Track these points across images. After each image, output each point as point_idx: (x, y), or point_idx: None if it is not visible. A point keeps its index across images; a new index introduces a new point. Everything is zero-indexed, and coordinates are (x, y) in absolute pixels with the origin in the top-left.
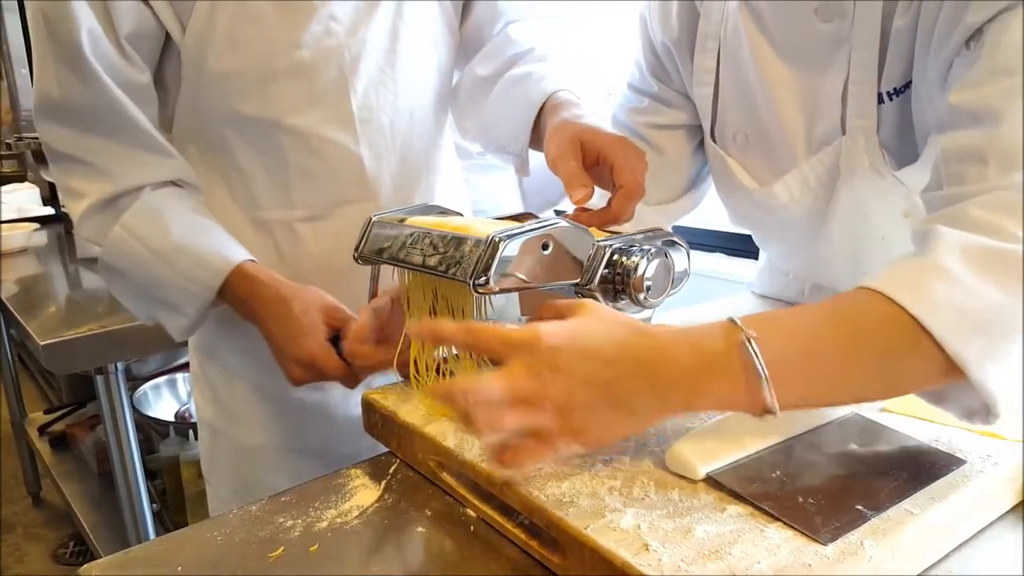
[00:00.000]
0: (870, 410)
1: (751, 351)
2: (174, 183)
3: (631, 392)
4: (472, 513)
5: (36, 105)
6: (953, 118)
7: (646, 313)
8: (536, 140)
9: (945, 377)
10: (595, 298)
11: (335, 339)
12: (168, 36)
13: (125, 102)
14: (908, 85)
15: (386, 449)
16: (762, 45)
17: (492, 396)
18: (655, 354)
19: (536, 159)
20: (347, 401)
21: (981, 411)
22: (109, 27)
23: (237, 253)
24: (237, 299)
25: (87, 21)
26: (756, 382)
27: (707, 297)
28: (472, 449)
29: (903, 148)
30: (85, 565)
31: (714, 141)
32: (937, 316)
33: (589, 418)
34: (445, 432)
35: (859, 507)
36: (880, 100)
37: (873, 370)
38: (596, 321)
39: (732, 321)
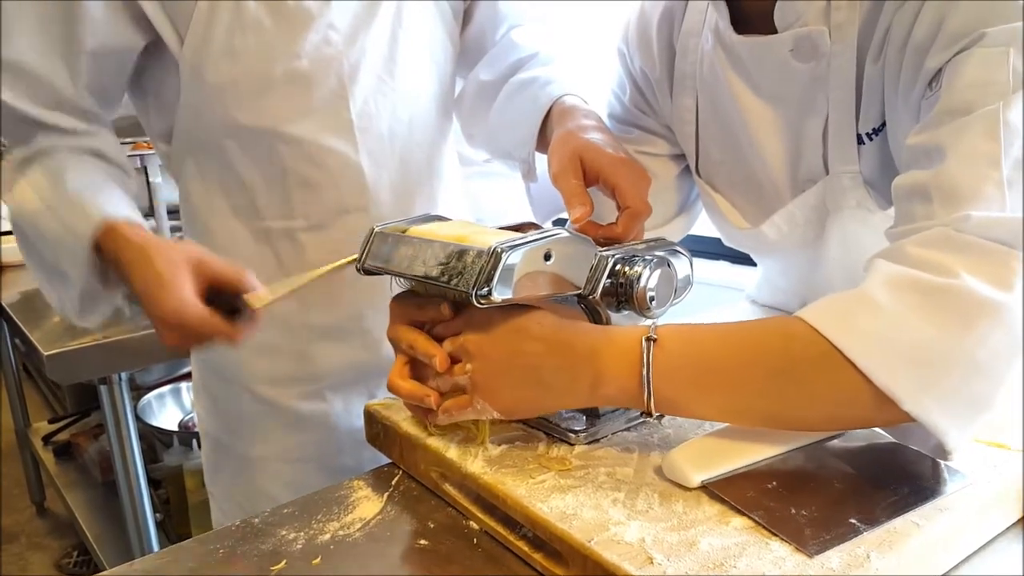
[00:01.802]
0: None
1: (644, 351)
2: (98, 155)
3: (546, 368)
4: (475, 525)
5: None
6: (909, 158)
7: (649, 323)
8: (543, 145)
9: (879, 409)
10: (598, 308)
11: (218, 297)
12: (162, 49)
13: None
14: (885, 125)
15: (388, 460)
16: (741, 85)
17: (437, 350)
18: (572, 335)
19: (544, 164)
20: (349, 412)
21: (937, 447)
22: (68, 44)
23: (119, 211)
24: (110, 258)
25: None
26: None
27: (712, 306)
28: (475, 461)
29: (888, 186)
30: None
31: (699, 176)
32: (853, 341)
33: (503, 383)
34: (447, 443)
35: (853, 520)
36: (860, 141)
37: (778, 389)
38: (535, 309)
39: (651, 324)
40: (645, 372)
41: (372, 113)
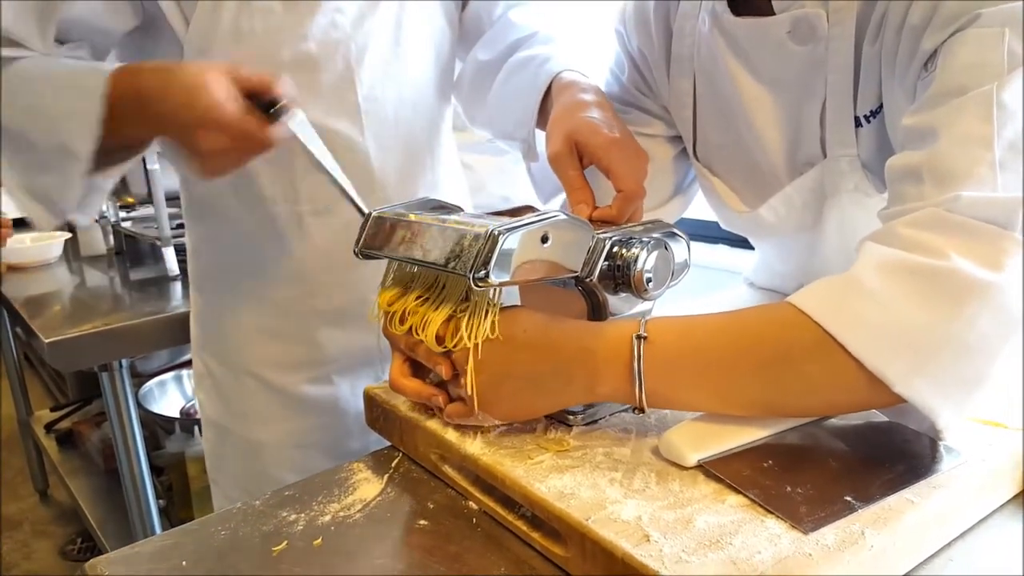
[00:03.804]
0: None
1: (634, 347)
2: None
3: (539, 374)
4: (474, 506)
5: None
6: (904, 139)
7: (646, 305)
8: (544, 122)
9: (873, 392)
10: (596, 291)
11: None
12: (160, 31)
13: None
14: (882, 107)
15: (389, 443)
16: (738, 68)
17: (440, 358)
18: (561, 337)
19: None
20: (356, 396)
21: (932, 426)
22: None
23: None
24: (128, 100)
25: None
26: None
27: (711, 289)
28: (474, 442)
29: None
30: (90, 560)
31: (697, 159)
32: (844, 326)
33: (498, 394)
34: (446, 426)
35: (848, 498)
36: (858, 124)
37: (773, 378)
38: (520, 312)
39: (640, 319)
40: (636, 366)
41: (378, 97)
